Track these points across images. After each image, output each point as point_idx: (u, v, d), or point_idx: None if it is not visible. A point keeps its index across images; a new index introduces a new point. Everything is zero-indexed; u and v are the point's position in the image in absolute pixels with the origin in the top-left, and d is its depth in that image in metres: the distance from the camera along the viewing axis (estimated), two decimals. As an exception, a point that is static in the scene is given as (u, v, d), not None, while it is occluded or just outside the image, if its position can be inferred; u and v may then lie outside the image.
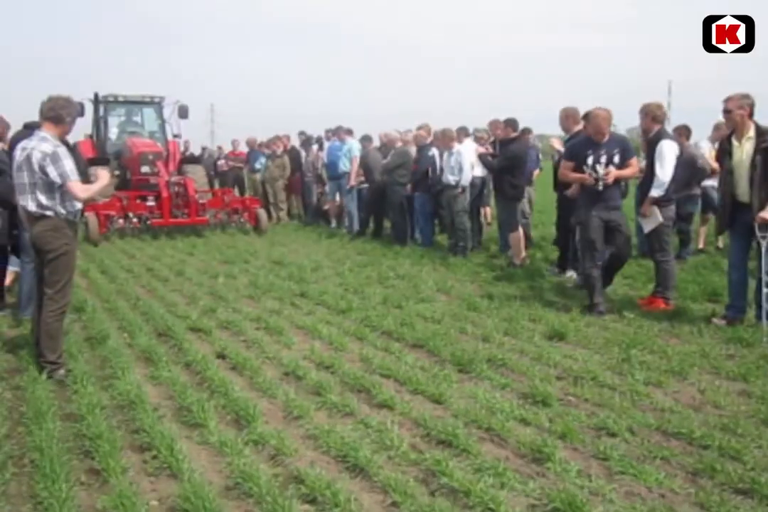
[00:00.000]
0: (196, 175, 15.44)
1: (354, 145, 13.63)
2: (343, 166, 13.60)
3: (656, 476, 3.52)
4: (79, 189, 5.15)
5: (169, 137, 16.87)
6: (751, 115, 6.00)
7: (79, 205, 5.32)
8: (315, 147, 15.50)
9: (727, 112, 6.06)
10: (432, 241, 11.54)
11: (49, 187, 5.07)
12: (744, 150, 6.05)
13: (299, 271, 9.17)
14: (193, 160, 18.13)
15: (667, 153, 6.76)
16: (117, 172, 15.17)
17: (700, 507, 3.26)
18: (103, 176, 5.47)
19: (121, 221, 13.06)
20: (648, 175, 6.98)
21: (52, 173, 5.02)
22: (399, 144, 11.89)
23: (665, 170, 6.74)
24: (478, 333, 6.18)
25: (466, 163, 10.10)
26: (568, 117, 8.45)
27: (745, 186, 6.07)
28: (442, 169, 10.41)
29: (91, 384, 4.88)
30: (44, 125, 5.23)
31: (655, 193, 6.77)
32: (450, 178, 10.15)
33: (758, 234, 5.95)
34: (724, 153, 6.27)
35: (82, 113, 15.14)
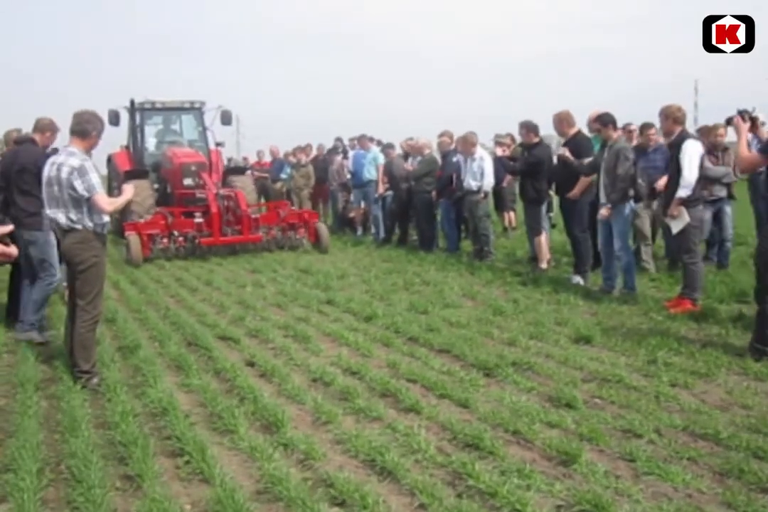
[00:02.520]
0: (245, 187, 13.80)
1: (378, 153, 13.73)
2: (368, 173, 13.70)
3: (683, 476, 3.53)
4: (105, 202, 5.29)
5: (211, 146, 15.53)
6: None
7: (106, 218, 5.44)
8: (340, 156, 15.63)
9: None
10: (457, 246, 11.57)
11: (78, 201, 5.21)
12: None
13: (326, 279, 9.25)
14: (239, 170, 16.22)
15: (693, 153, 6.73)
16: (156, 186, 14.21)
17: (728, 507, 3.27)
18: (128, 190, 5.61)
19: (165, 241, 11.62)
20: (672, 177, 6.94)
21: (79, 187, 5.15)
22: (427, 151, 11.96)
23: (692, 170, 6.69)
24: (504, 337, 6.21)
25: (488, 168, 10.15)
26: (561, 121, 8.54)
27: None
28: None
29: (124, 393, 4.99)
30: (72, 140, 5.38)
31: (683, 193, 6.71)
32: (472, 184, 10.21)
33: None
34: None
35: (117, 122, 14.90)
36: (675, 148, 6.84)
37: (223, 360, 5.74)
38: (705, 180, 7.45)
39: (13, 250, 5.36)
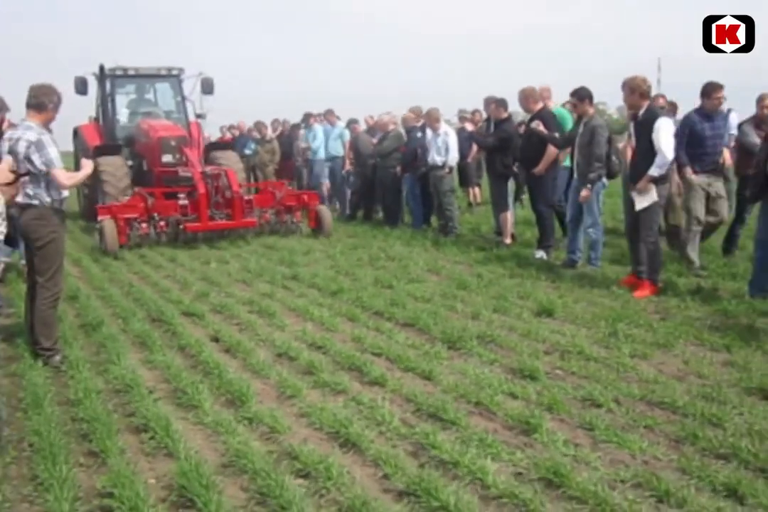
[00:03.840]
0: (232, 165, 12.23)
1: (344, 129, 13.66)
2: (333, 150, 13.63)
3: (640, 444, 3.62)
4: (65, 177, 5.19)
5: (191, 118, 14.03)
6: None
7: (65, 193, 5.36)
8: (303, 131, 15.50)
9: None
10: (423, 222, 11.60)
11: (35, 176, 5.10)
12: None
13: (290, 255, 9.23)
14: (223, 145, 14.65)
15: (668, 131, 6.59)
16: (130, 163, 12.75)
17: (682, 473, 3.36)
18: (86, 165, 5.50)
19: (144, 226, 10.27)
20: (640, 153, 6.77)
21: (37, 161, 5.05)
22: (391, 127, 11.91)
23: (669, 150, 6.57)
24: (468, 311, 6.27)
25: (453, 144, 10.17)
26: (527, 97, 8.58)
27: None
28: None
29: (87, 370, 4.96)
30: (28, 114, 5.26)
31: (656, 172, 6.57)
32: (437, 159, 10.23)
33: None
34: None
35: (84, 91, 13.46)
36: (645, 125, 6.65)
37: (187, 336, 5.73)
38: (748, 154, 7.35)
39: None
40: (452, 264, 8.52)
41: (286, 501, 3.10)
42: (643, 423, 3.88)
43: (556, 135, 8.24)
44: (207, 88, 13.70)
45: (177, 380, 4.72)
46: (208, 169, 11.18)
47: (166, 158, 12.03)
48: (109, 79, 13.52)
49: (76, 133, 14.66)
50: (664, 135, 6.55)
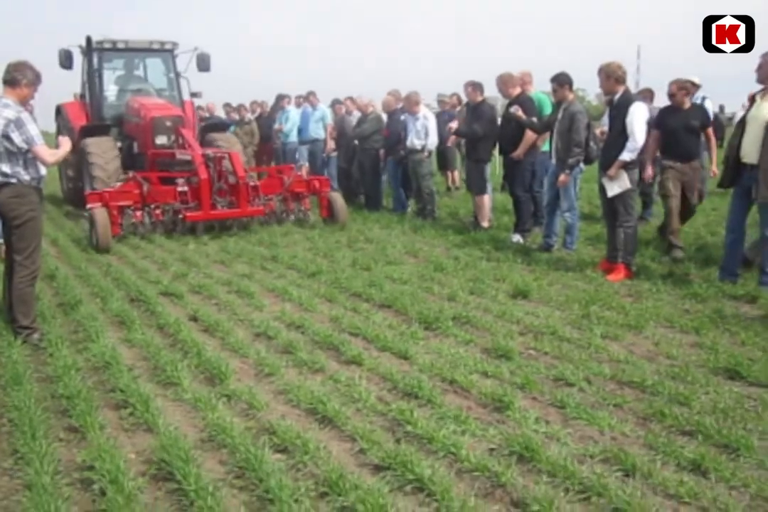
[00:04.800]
0: (231, 148, 11.16)
1: (326, 111, 13.63)
2: (314, 132, 13.61)
3: (609, 421, 3.73)
4: (47, 153, 5.17)
5: (185, 96, 13.07)
6: None
7: (44, 171, 5.34)
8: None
9: (759, 66, 5.90)
10: (403, 205, 11.63)
11: (13, 154, 5.08)
12: (761, 108, 5.95)
13: (269, 236, 9.26)
14: (220, 126, 13.43)
15: (641, 117, 6.67)
16: (119, 145, 11.79)
17: (649, 448, 3.47)
18: (64, 142, 5.47)
19: (138, 214, 9.38)
20: (612, 138, 6.90)
21: (17, 139, 5.02)
22: (370, 109, 11.92)
23: (640, 134, 6.65)
24: (444, 293, 6.35)
25: (432, 127, 10.22)
26: (505, 82, 8.66)
27: (750, 145, 6.00)
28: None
29: (66, 348, 4.99)
30: (4, 90, 5.22)
31: (627, 157, 6.66)
32: (416, 143, 10.26)
33: None
34: (749, 108, 6.16)
35: (69, 65, 12.49)
36: (620, 109, 6.75)
37: (166, 315, 5.76)
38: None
39: None
40: (430, 247, 8.59)
41: (264, 474, 3.17)
42: (612, 401, 3.99)
43: (534, 119, 8.31)
44: (203, 64, 12.69)
45: (156, 358, 4.77)
46: (210, 151, 10.13)
47: (160, 140, 11.19)
48: (96, 52, 12.44)
49: (59, 111, 13.65)
50: (638, 120, 6.64)
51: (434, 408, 3.91)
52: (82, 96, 13.24)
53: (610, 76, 6.78)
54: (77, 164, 11.69)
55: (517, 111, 8.23)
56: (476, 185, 9.56)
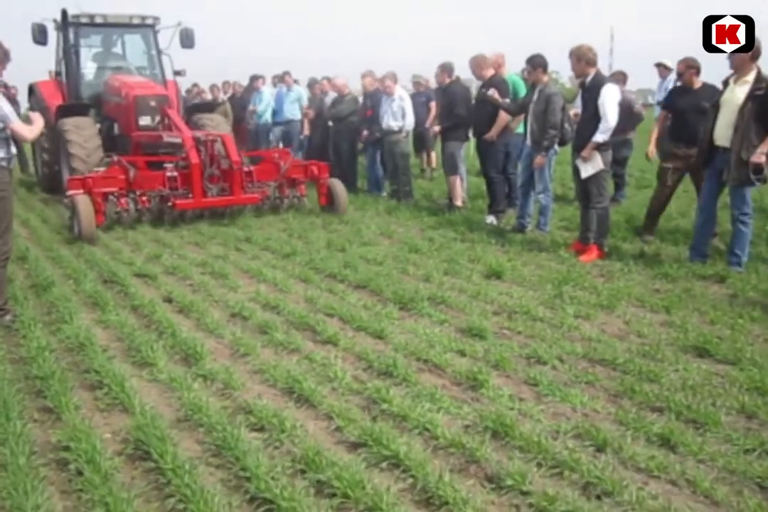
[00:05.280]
0: (221, 130, 10.69)
1: (302, 92, 13.53)
2: (290, 113, 13.52)
3: (581, 398, 3.80)
4: (26, 130, 5.11)
5: (168, 75, 12.23)
6: (754, 58, 5.94)
7: (13, 150, 5.27)
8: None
9: (731, 53, 5.97)
10: (379, 187, 11.61)
11: None
12: (735, 93, 6.03)
13: (244, 218, 9.22)
14: (207, 106, 12.87)
15: (613, 98, 6.71)
16: (98, 126, 11.01)
17: (620, 424, 3.54)
18: (37, 118, 5.39)
19: (123, 201, 8.61)
20: (585, 120, 6.97)
21: None
22: (347, 91, 11.87)
23: (612, 115, 6.69)
24: (419, 273, 6.39)
25: (409, 108, 10.20)
26: (478, 64, 8.68)
27: (723, 129, 6.08)
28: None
29: (39, 329, 4.97)
30: None
31: (600, 138, 6.70)
32: (393, 124, 10.23)
33: (752, 177, 5.93)
34: (722, 92, 6.24)
35: (44, 40, 11.65)
36: (592, 91, 6.80)
37: (140, 296, 5.74)
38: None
39: None
40: (404, 228, 8.61)
41: (240, 452, 3.19)
42: (584, 378, 4.06)
43: (508, 100, 8.34)
44: (187, 41, 11.90)
45: (131, 339, 4.75)
46: (200, 134, 9.48)
47: (144, 121, 10.48)
48: (72, 27, 11.54)
49: (32, 90, 12.74)
50: (609, 101, 6.68)
51: (409, 387, 3.96)
52: (58, 74, 12.39)
53: (581, 58, 6.84)
54: (53, 147, 11.10)
55: (494, 94, 8.23)
56: (449, 165, 9.57)
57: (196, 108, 12.40)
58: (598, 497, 2.91)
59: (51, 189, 11.53)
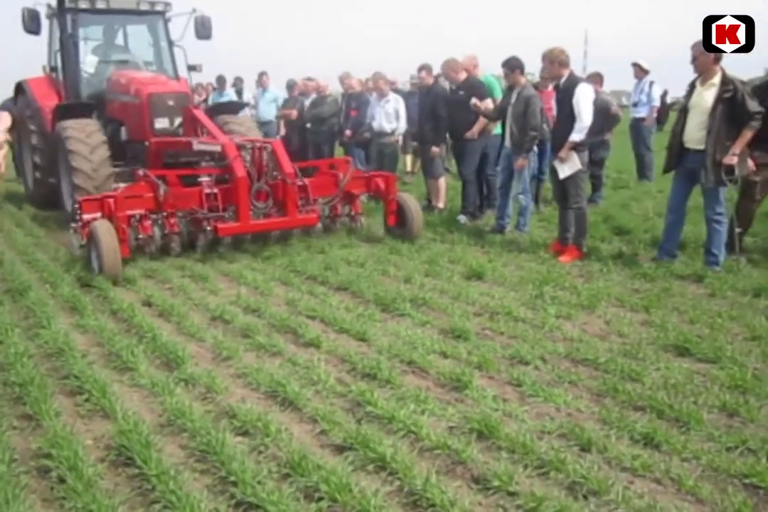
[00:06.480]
0: (252, 135, 9.09)
1: (278, 93, 13.51)
2: (266, 114, 13.47)
3: (564, 398, 3.82)
4: None
5: (181, 71, 10.24)
6: (717, 60, 5.99)
7: None
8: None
9: (694, 58, 6.05)
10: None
11: None
12: (703, 96, 6.08)
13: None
14: (232, 107, 10.75)
15: (586, 98, 6.78)
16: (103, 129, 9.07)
17: (603, 423, 3.57)
18: (3, 117, 5.28)
19: (146, 225, 6.89)
20: (561, 121, 7.00)
21: None
22: (328, 92, 11.87)
23: (587, 114, 6.75)
24: (400, 275, 6.39)
25: (402, 110, 10.21)
26: (450, 68, 8.75)
27: (693, 131, 6.14)
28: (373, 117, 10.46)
29: (16, 335, 4.89)
30: None
31: (576, 137, 6.75)
32: (386, 126, 10.21)
33: (724, 178, 5.99)
34: (689, 95, 6.29)
35: (36, 29, 9.72)
36: (566, 92, 6.86)
37: (119, 300, 5.68)
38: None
39: None
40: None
41: (226, 457, 3.17)
42: (567, 378, 4.08)
43: (489, 100, 8.40)
44: (203, 30, 10.05)
45: (110, 343, 4.70)
46: (243, 140, 7.75)
47: (161, 124, 8.70)
48: (69, 14, 9.55)
49: (20, 89, 10.58)
50: (583, 100, 6.76)
51: (393, 389, 3.95)
52: (53, 69, 10.29)
53: (554, 61, 6.92)
54: (46, 158, 9.49)
55: (476, 102, 8.19)
56: (430, 168, 9.58)
57: (218, 109, 10.44)
58: (585, 496, 2.93)
59: (44, 202, 9.99)
